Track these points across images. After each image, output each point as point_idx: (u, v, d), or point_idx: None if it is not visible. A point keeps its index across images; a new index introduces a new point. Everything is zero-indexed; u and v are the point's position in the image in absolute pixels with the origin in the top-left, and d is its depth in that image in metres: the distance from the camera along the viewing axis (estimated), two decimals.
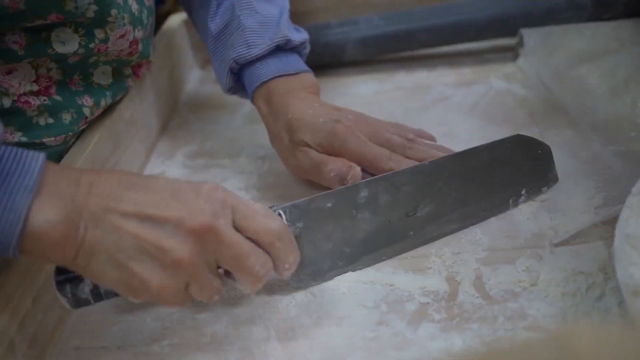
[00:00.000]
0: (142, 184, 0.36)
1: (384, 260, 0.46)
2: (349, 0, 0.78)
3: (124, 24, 0.52)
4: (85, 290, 0.37)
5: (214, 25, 0.57)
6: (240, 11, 0.55)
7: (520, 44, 0.72)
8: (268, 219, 0.37)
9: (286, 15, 0.57)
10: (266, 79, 0.54)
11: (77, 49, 0.50)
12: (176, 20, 0.80)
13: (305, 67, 0.56)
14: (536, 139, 0.50)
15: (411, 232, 0.46)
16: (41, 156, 0.34)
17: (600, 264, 0.43)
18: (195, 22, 0.63)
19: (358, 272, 0.45)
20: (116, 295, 0.38)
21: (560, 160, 0.54)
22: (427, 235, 0.47)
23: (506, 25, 0.72)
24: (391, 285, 0.44)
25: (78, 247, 0.34)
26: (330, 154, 0.50)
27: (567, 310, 0.40)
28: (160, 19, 0.82)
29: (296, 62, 0.56)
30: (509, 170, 0.49)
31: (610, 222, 0.43)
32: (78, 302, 0.38)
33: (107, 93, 0.55)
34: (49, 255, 0.34)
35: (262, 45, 0.54)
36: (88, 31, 0.50)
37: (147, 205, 0.35)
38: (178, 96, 0.77)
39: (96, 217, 0.34)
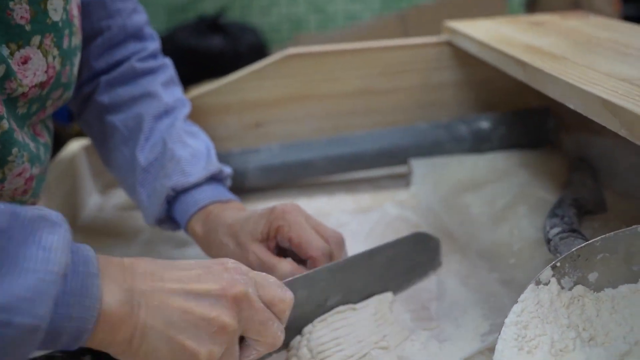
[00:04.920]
0: (175, 264, 0.40)
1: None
2: (251, 130, 0.81)
3: (23, 162, 0.50)
4: None
5: (143, 157, 0.60)
6: (173, 144, 0.60)
7: (410, 173, 0.76)
8: (283, 290, 0.43)
9: (213, 151, 0.63)
10: (204, 204, 0.58)
11: None
12: (75, 146, 0.79)
13: (235, 197, 0.61)
14: (429, 235, 0.59)
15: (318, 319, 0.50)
16: (89, 247, 0.36)
17: None
18: (112, 158, 0.64)
19: None
20: None
21: (451, 289, 0.56)
22: None
23: (397, 155, 0.77)
24: None
25: (135, 325, 0.36)
26: (275, 236, 0.53)
27: None
28: (68, 138, 0.81)
29: (226, 192, 0.61)
30: (405, 261, 0.57)
31: (494, 350, 0.45)
32: None
33: None
34: (115, 336, 0.35)
35: (197, 174, 0.59)
36: None
37: (188, 280, 0.38)
38: (73, 223, 0.74)
39: (146, 296, 0.36)
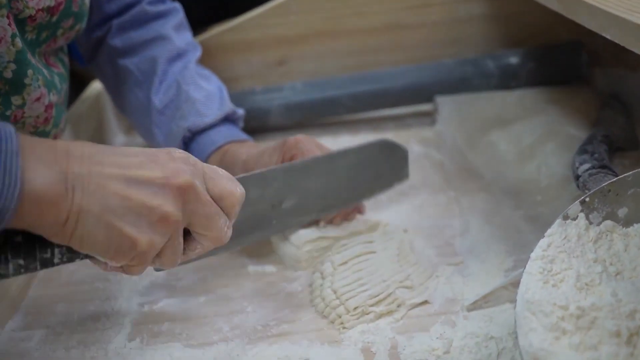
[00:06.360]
0: (117, 150, 0.37)
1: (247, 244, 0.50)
2: (274, 68, 0.80)
3: (39, 86, 0.51)
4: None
5: (158, 99, 0.61)
6: (187, 86, 0.61)
7: (436, 110, 0.75)
8: (233, 184, 0.40)
9: (225, 92, 0.63)
10: (220, 143, 0.59)
11: None
12: (99, 86, 0.79)
13: (249, 137, 0.62)
14: (396, 143, 0.57)
15: (274, 221, 0.50)
16: (9, 125, 0.33)
17: (509, 327, 0.44)
18: (126, 102, 0.64)
19: (273, 347, 0.44)
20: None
21: (475, 226, 0.56)
22: (288, 223, 0.51)
23: (422, 93, 0.76)
24: None
25: (69, 208, 0.34)
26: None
27: None
28: (90, 80, 0.81)
29: (240, 132, 0.62)
30: (369, 169, 0.55)
31: (518, 285, 0.45)
32: None
33: None
34: (43, 218, 0.33)
35: (212, 115, 0.60)
36: (5, 100, 0.49)
37: (130, 167, 0.36)
38: None
39: (81, 179, 0.34)
